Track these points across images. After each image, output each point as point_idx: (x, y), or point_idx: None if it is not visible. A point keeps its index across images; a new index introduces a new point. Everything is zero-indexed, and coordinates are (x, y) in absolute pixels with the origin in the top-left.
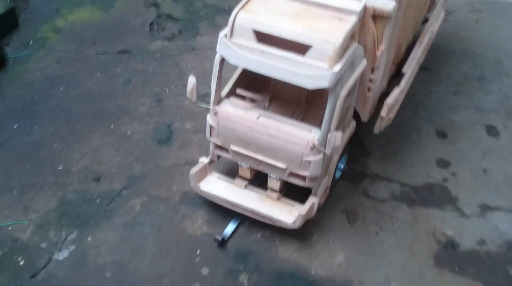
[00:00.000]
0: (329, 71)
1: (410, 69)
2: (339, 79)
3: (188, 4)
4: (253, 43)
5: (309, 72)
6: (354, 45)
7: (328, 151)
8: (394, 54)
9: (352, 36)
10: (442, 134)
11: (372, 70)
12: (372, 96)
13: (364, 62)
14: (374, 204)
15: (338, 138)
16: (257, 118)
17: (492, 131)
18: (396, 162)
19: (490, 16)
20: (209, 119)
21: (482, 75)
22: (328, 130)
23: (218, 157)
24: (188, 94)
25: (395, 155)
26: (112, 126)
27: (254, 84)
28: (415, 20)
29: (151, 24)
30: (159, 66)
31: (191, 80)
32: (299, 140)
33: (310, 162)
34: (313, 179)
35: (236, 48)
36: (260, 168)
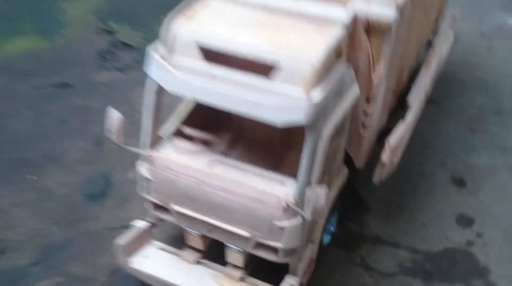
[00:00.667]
0: (305, 100)
1: (416, 99)
2: (321, 111)
3: (148, 31)
4: (199, 64)
5: (277, 102)
6: (341, 66)
7: (307, 214)
8: (395, 81)
9: (336, 53)
10: (459, 182)
11: (368, 100)
12: (368, 135)
13: (355, 89)
14: (377, 281)
15: (321, 196)
16: (208, 166)
17: None
18: (403, 220)
19: (502, 43)
20: (142, 169)
21: (500, 108)
22: (307, 184)
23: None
24: (112, 136)
25: (401, 210)
26: (33, 178)
27: (211, 120)
28: (419, 39)
29: (102, 52)
30: (105, 101)
31: (114, 116)
32: (267, 196)
33: (283, 228)
34: (289, 252)
35: (176, 71)
36: (215, 236)
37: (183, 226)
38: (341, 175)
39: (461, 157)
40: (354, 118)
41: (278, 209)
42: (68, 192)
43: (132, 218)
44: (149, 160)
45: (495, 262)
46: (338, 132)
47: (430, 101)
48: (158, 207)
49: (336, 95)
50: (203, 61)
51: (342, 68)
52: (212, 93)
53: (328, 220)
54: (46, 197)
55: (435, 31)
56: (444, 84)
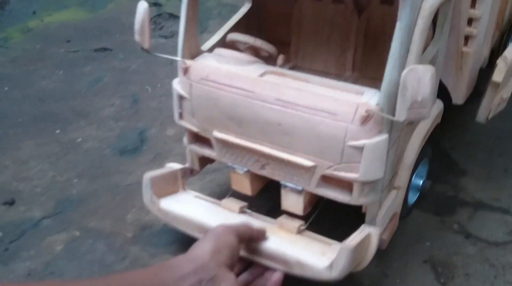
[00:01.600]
0: None
1: None
2: None
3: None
4: None
5: None
6: None
7: (402, 111)
8: (498, 7)
9: None
10: None
11: (474, 1)
12: (472, 55)
13: None
14: (483, 250)
15: (425, 79)
16: (262, 75)
17: None
18: (510, 184)
19: None
20: (176, 84)
21: None
22: (397, 79)
23: (204, 161)
24: (136, 33)
25: (506, 172)
26: (57, 132)
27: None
28: None
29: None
30: (145, 64)
31: (142, 7)
32: (339, 106)
33: (361, 149)
34: (368, 188)
35: None
36: (267, 171)
37: (227, 162)
38: (434, 110)
39: None
40: (455, 27)
41: (355, 122)
42: (96, 146)
43: None
44: (184, 70)
45: None
46: (436, 32)
47: None
48: (196, 138)
49: None
50: None
51: None
52: None
53: (417, 166)
54: (71, 150)
55: None
56: None
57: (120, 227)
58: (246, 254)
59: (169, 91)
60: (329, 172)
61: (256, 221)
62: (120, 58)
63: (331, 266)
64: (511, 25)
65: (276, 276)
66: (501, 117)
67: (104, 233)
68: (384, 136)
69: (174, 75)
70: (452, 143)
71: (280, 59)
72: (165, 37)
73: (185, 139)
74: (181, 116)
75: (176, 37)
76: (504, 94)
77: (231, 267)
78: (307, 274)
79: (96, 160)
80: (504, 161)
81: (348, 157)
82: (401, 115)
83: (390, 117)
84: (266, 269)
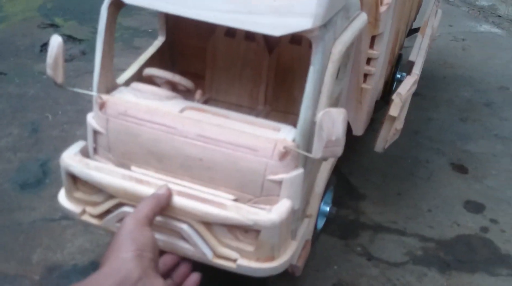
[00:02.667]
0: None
1: (420, 57)
2: (329, 21)
3: (96, 24)
4: None
5: (275, 4)
6: None
7: (318, 149)
8: (391, 45)
9: None
10: (460, 168)
11: (372, 42)
12: (370, 91)
13: (363, 16)
14: (384, 271)
15: (338, 122)
16: (182, 110)
17: None
18: (405, 207)
19: (477, 45)
20: (90, 119)
21: (490, 101)
22: (312, 118)
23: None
24: (49, 67)
25: (400, 196)
26: None
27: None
28: (408, 17)
29: (44, 45)
30: (44, 89)
31: (55, 41)
32: (259, 142)
33: (280, 182)
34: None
35: None
36: None
37: None
38: None
39: (457, 144)
40: (355, 65)
41: (274, 157)
42: None
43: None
44: (100, 105)
45: None
46: (343, 66)
47: (416, 94)
48: None
49: (344, 13)
50: None
51: None
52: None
53: (323, 197)
54: None
55: (415, 18)
56: (427, 79)
57: (25, 269)
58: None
59: (72, 118)
60: (250, 205)
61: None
62: (16, 83)
63: None
64: (399, 59)
65: (194, 277)
66: (392, 144)
67: (8, 277)
68: (300, 170)
69: (77, 101)
70: (350, 168)
71: (198, 94)
72: (66, 60)
73: None
74: (95, 151)
75: (76, 60)
76: (398, 125)
77: (156, 267)
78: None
79: None
80: (397, 184)
81: (268, 191)
82: (317, 153)
83: (307, 154)
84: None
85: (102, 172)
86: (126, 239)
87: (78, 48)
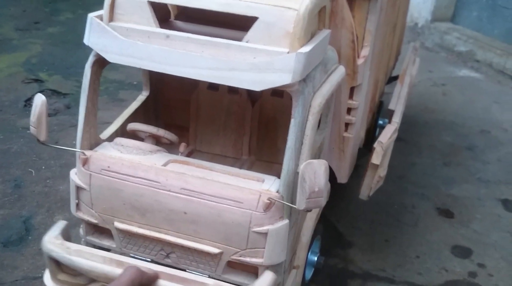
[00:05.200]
0: (291, 54)
1: (399, 106)
2: (309, 75)
3: (81, 78)
4: (150, 24)
5: (255, 60)
6: (325, 32)
7: (301, 201)
8: (372, 92)
9: (320, 17)
10: (446, 213)
11: (351, 93)
12: (352, 140)
13: (341, 69)
14: None
15: (320, 173)
16: (165, 164)
17: (510, 206)
18: (393, 254)
19: (457, 89)
20: (73, 175)
21: (472, 144)
22: (294, 170)
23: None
24: (32, 125)
25: (388, 243)
26: None
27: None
28: (386, 65)
29: (28, 100)
30: (27, 144)
31: (39, 100)
32: (243, 194)
33: (265, 233)
34: (273, 271)
35: (119, 34)
36: (172, 260)
37: (129, 252)
38: None
39: (441, 189)
40: (336, 115)
41: (258, 209)
42: None
43: None
44: (82, 162)
45: None
46: (323, 116)
47: (398, 139)
48: (94, 229)
49: (322, 67)
50: (155, 22)
51: (326, 37)
52: (167, 58)
53: (310, 246)
54: None
55: (394, 66)
56: (409, 125)
57: None
58: None
59: (55, 173)
60: (235, 258)
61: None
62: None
63: None
64: (380, 106)
65: None
66: (378, 190)
67: None
68: (285, 221)
69: (60, 156)
70: (338, 216)
71: (182, 146)
72: (48, 115)
73: (82, 231)
74: (78, 207)
75: (60, 114)
76: (381, 172)
77: None
78: None
79: None
80: (384, 231)
81: (253, 243)
82: (301, 205)
83: (291, 205)
84: None
85: (83, 256)
86: None
87: (63, 102)
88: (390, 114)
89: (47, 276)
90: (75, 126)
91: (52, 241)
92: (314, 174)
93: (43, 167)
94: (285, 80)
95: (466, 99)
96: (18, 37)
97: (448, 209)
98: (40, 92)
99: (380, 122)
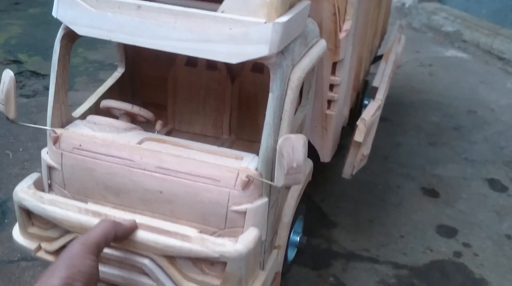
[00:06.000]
0: (268, 24)
1: (383, 83)
2: (287, 47)
3: None
4: None
5: (231, 31)
6: (305, 3)
7: (279, 178)
8: (354, 72)
9: None
10: (431, 193)
11: (334, 68)
12: (335, 117)
13: (322, 42)
14: None
15: (298, 148)
16: (140, 142)
17: (497, 185)
18: (377, 234)
19: (444, 69)
20: (45, 154)
21: (458, 124)
22: (275, 142)
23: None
24: (0, 103)
25: (372, 223)
26: None
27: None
28: (371, 43)
29: None
30: (4, 126)
31: (7, 76)
32: (220, 171)
33: (244, 212)
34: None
35: (89, 5)
36: None
37: None
38: (307, 168)
39: (427, 169)
40: (318, 92)
41: (236, 187)
42: None
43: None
44: (53, 140)
45: (491, 273)
46: (305, 91)
47: (384, 119)
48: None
49: (302, 40)
50: None
51: (306, 8)
52: (138, 29)
53: (292, 226)
54: None
55: (380, 45)
56: (394, 105)
57: None
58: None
59: (33, 155)
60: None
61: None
62: None
63: None
64: (365, 85)
65: None
66: (362, 170)
67: None
68: (264, 200)
69: (38, 138)
70: (322, 196)
71: (158, 124)
72: (27, 96)
73: None
74: (50, 187)
75: (39, 96)
76: (365, 151)
77: None
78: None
79: None
80: (368, 211)
81: (232, 222)
82: (279, 181)
83: (269, 182)
84: None
85: (57, 206)
86: (62, 264)
87: (42, 84)
88: (373, 91)
89: (16, 231)
90: None
91: (25, 190)
92: (292, 149)
93: (21, 149)
94: (262, 51)
95: (453, 79)
96: None
97: (434, 189)
98: (19, 73)
99: (366, 102)
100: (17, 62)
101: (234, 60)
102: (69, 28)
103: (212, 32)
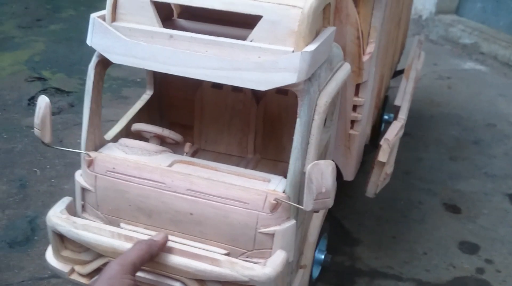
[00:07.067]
0: (296, 53)
1: (405, 102)
2: (314, 74)
3: (85, 76)
4: (153, 24)
5: (260, 59)
6: (330, 30)
7: (308, 202)
8: (378, 87)
9: (325, 14)
10: (453, 208)
11: (357, 89)
12: (358, 137)
13: (347, 66)
14: None
15: (327, 174)
16: (170, 165)
17: None
18: (400, 251)
19: (463, 82)
20: (78, 176)
21: (478, 138)
22: (301, 170)
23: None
24: (36, 127)
25: (396, 240)
26: None
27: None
28: (392, 58)
29: (31, 98)
30: (32, 143)
31: (43, 102)
32: (249, 194)
33: (272, 234)
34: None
35: (122, 34)
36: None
37: None
38: None
39: (448, 184)
40: (342, 113)
41: (265, 209)
42: None
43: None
44: (88, 163)
45: None
46: (329, 113)
47: (404, 134)
48: None
49: (327, 65)
50: (158, 21)
51: (331, 35)
52: (171, 58)
53: (317, 245)
54: None
55: (399, 60)
56: (414, 119)
57: None
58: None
59: (60, 172)
60: (242, 259)
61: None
62: (3, 138)
63: None
64: (385, 101)
65: None
66: (385, 186)
67: None
68: (292, 222)
69: (65, 155)
70: (344, 213)
71: (187, 146)
72: (52, 113)
73: None
74: (84, 208)
75: (64, 113)
76: (388, 169)
77: None
78: None
79: None
80: (391, 227)
81: (260, 244)
82: (308, 206)
83: (298, 206)
84: None
85: (90, 231)
86: (102, 284)
87: (66, 101)
88: (396, 110)
89: (49, 253)
90: (79, 124)
91: (58, 215)
92: (321, 175)
93: (48, 166)
94: (290, 79)
95: (471, 92)
96: (21, 35)
97: (455, 204)
98: (43, 90)
99: (386, 117)
100: (41, 79)
101: (263, 87)
102: (103, 55)
103: (241, 61)
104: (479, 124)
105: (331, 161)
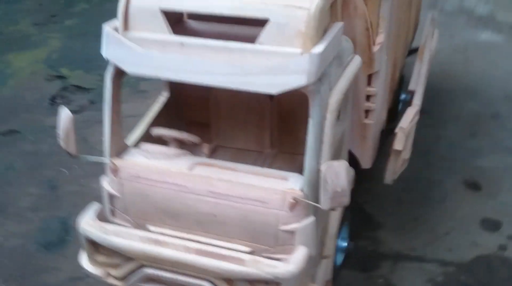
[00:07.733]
0: (304, 55)
1: (420, 86)
2: (323, 70)
3: (103, 72)
4: (163, 31)
5: (269, 63)
6: (338, 26)
7: (325, 201)
8: (391, 69)
9: (332, 10)
10: (474, 186)
11: (369, 79)
12: (373, 126)
13: (357, 59)
14: None
15: (341, 174)
16: (190, 168)
17: None
18: (422, 232)
19: (479, 54)
20: (106, 183)
21: (496, 112)
22: (316, 169)
23: None
24: (61, 140)
25: (417, 221)
26: None
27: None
28: (405, 40)
29: (53, 98)
30: (56, 143)
31: (65, 116)
32: (268, 194)
33: (293, 233)
34: None
35: (135, 45)
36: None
37: None
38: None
39: (468, 161)
40: (355, 103)
41: (284, 207)
42: (19, 243)
43: None
44: (113, 170)
45: None
46: (342, 109)
47: (422, 111)
48: None
49: (337, 61)
50: (169, 30)
51: (339, 31)
52: (183, 67)
53: (339, 231)
54: None
55: (413, 38)
56: (431, 94)
57: None
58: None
59: (88, 172)
60: (266, 255)
61: None
62: (30, 140)
63: None
64: (401, 80)
65: None
66: (408, 167)
67: None
68: (311, 218)
69: (91, 152)
70: (365, 197)
71: (206, 148)
72: (74, 112)
73: None
74: (113, 213)
75: (86, 110)
76: (405, 155)
77: None
78: None
79: (21, 259)
80: (412, 209)
81: (282, 241)
82: (325, 205)
83: (316, 204)
84: None
85: (121, 236)
86: None
87: (87, 98)
88: (410, 95)
89: (84, 259)
90: (101, 122)
91: (89, 223)
92: (336, 175)
93: (76, 166)
94: (300, 82)
95: (488, 64)
96: (37, 33)
97: (476, 181)
98: (64, 89)
99: (403, 96)
100: (60, 77)
101: (274, 90)
102: (119, 69)
103: (251, 65)
104: (497, 96)
105: (344, 161)
